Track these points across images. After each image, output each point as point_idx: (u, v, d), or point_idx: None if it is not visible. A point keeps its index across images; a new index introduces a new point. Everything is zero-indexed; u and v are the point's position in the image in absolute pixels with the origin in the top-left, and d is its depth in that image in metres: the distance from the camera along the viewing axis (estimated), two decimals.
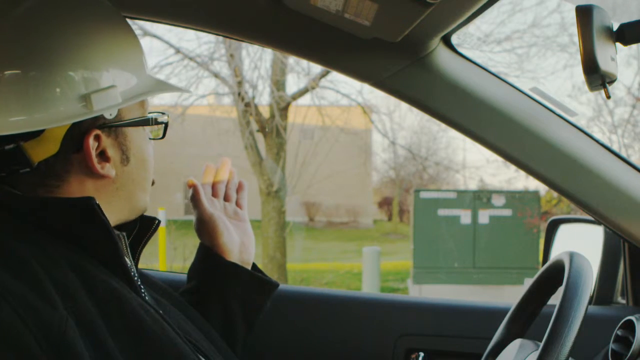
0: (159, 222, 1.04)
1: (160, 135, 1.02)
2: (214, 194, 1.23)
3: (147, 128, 0.99)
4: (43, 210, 0.88)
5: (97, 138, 0.90)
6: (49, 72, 0.85)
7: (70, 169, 0.90)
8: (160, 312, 0.93)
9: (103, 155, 0.91)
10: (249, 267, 1.20)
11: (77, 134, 0.88)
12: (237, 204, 1.25)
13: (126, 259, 0.97)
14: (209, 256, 1.17)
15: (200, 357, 0.96)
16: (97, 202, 0.89)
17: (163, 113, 1.00)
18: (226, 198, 1.25)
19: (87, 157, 0.89)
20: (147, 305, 0.89)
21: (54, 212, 0.88)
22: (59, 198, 0.89)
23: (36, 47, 0.85)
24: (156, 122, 0.99)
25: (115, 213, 0.95)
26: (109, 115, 0.90)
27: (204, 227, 1.18)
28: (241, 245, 1.19)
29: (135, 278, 0.96)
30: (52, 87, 0.85)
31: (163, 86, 0.97)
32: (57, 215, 0.88)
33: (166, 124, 1.01)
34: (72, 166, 0.90)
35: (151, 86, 0.95)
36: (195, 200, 1.18)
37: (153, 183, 1.02)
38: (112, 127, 0.91)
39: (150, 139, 1.01)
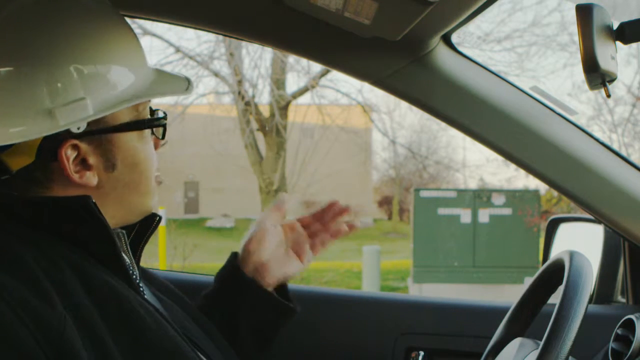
0: (160, 218, 1.02)
1: (160, 137, 0.99)
2: (308, 230, 1.21)
3: (146, 129, 0.96)
4: (40, 210, 0.87)
5: (76, 147, 0.87)
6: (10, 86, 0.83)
7: (52, 177, 0.88)
8: (160, 310, 0.93)
9: (85, 163, 0.89)
10: (270, 286, 1.17)
11: (50, 145, 0.85)
12: (313, 247, 1.21)
13: (125, 257, 0.97)
14: (233, 266, 1.17)
15: (201, 355, 0.96)
16: (94, 201, 0.88)
17: (164, 113, 0.98)
18: (311, 234, 1.22)
19: (63, 167, 0.86)
20: (146, 304, 0.89)
21: (51, 212, 0.87)
22: (55, 197, 0.88)
23: None
24: (148, 126, 0.94)
25: (108, 217, 0.92)
26: (77, 129, 0.85)
27: (255, 242, 1.17)
28: (270, 264, 1.17)
29: (134, 277, 0.95)
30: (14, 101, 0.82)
31: (153, 91, 0.92)
32: (55, 215, 0.87)
33: (164, 126, 0.97)
34: (52, 174, 0.88)
35: (138, 92, 0.90)
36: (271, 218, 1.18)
37: (160, 182, 0.99)
38: (94, 134, 0.88)
39: (157, 138, 0.98)
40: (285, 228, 1.21)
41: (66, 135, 0.85)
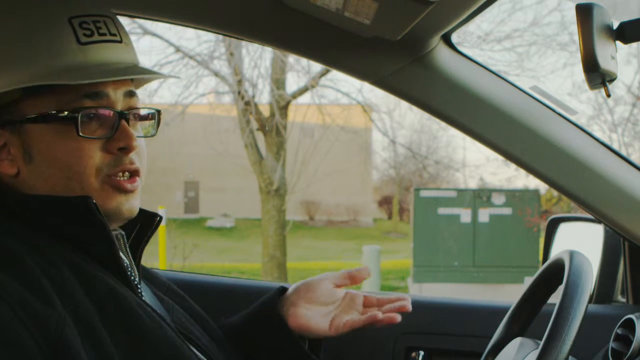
0: (161, 218, 1.02)
1: (103, 134, 0.90)
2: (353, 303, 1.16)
3: (79, 125, 0.89)
4: (39, 209, 0.88)
5: (2, 135, 0.90)
6: None
7: None
8: (158, 311, 0.93)
9: (10, 152, 0.91)
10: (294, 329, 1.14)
11: None
12: (351, 322, 1.13)
13: (124, 257, 0.97)
14: (272, 296, 1.16)
15: (201, 356, 0.96)
16: (94, 202, 0.88)
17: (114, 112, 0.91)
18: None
19: None
20: (144, 305, 0.89)
21: (51, 211, 0.88)
22: (54, 197, 0.88)
23: None
24: (54, 119, 0.88)
25: None
26: None
27: (305, 291, 1.15)
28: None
29: (133, 277, 0.95)
30: None
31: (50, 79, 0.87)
32: (54, 215, 0.88)
33: (75, 119, 0.88)
34: None
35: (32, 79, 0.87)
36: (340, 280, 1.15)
37: (120, 187, 0.92)
38: (15, 123, 0.89)
39: (82, 136, 0.89)
40: (347, 295, 1.17)
41: None
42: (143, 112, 0.97)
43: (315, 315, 1.14)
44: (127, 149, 0.92)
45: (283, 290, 1.18)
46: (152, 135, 1.00)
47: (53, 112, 0.88)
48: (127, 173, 0.93)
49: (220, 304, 1.30)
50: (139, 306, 0.87)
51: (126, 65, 0.94)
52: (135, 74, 0.93)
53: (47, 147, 0.90)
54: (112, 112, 0.91)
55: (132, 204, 0.95)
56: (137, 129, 0.97)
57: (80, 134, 0.88)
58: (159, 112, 1.00)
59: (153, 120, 0.99)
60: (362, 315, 1.13)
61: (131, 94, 0.95)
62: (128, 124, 0.93)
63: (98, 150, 0.91)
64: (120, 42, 0.94)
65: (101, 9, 0.94)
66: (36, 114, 0.89)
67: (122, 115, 0.92)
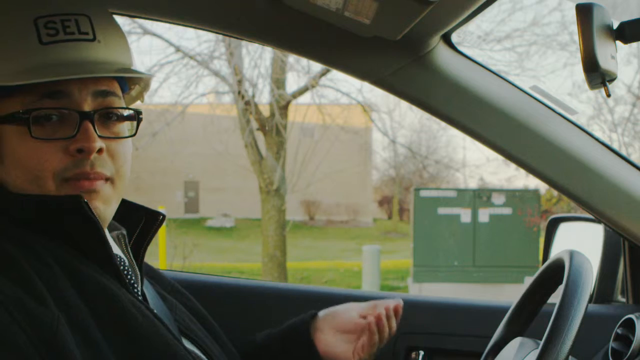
0: (164, 217, 1.01)
1: (65, 135, 0.88)
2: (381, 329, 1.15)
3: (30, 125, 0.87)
4: (31, 208, 0.88)
5: None
6: None
7: None
8: (154, 310, 0.92)
9: None
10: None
11: None
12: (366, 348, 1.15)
13: (124, 257, 0.97)
14: (306, 316, 1.19)
15: (202, 354, 0.96)
16: (86, 200, 0.87)
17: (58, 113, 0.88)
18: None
19: None
20: (138, 302, 0.89)
21: (42, 210, 0.87)
22: (46, 196, 0.88)
23: None
24: (20, 120, 0.87)
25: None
26: None
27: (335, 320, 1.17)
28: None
29: (129, 276, 0.95)
30: None
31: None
32: (45, 214, 0.87)
33: (27, 120, 0.87)
34: None
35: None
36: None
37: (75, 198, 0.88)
38: None
39: (35, 137, 0.87)
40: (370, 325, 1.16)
41: None
42: (122, 113, 0.93)
43: (340, 343, 1.16)
44: (85, 152, 0.88)
45: (314, 315, 1.19)
46: (131, 136, 0.95)
47: (14, 112, 0.87)
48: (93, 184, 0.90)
49: (220, 304, 1.30)
50: (133, 305, 0.87)
51: (98, 64, 0.89)
52: (95, 73, 0.88)
53: (11, 148, 0.89)
54: (73, 113, 0.88)
55: (94, 207, 0.89)
56: (119, 131, 0.93)
57: (33, 135, 0.87)
58: (138, 112, 0.95)
59: (134, 121, 0.95)
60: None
61: (105, 94, 0.91)
62: (93, 125, 0.89)
63: (58, 153, 0.88)
64: (93, 40, 0.90)
65: (82, 7, 0.91)
66: (4, 115, 0.88)
67: (85, 116, 0.88)
